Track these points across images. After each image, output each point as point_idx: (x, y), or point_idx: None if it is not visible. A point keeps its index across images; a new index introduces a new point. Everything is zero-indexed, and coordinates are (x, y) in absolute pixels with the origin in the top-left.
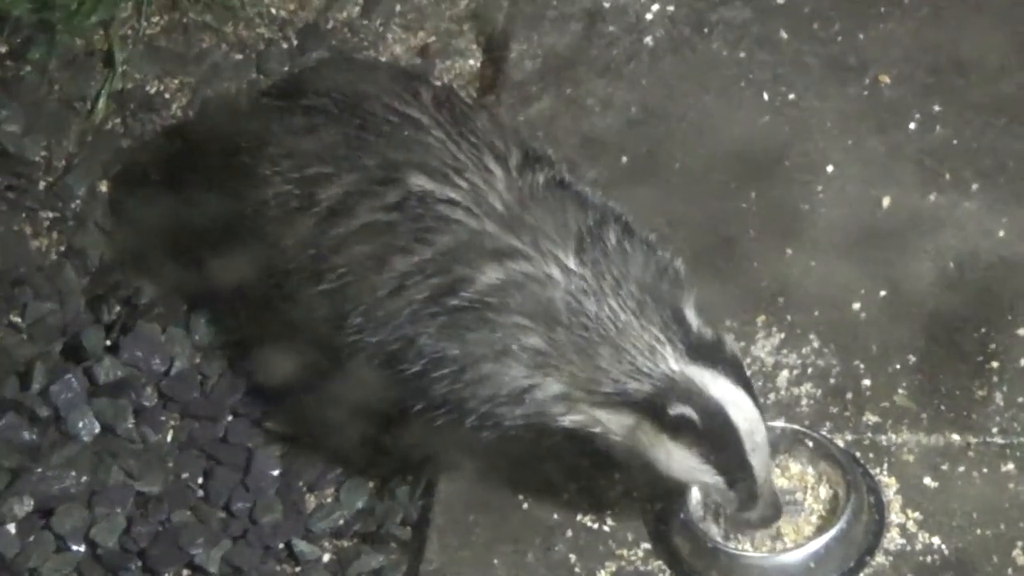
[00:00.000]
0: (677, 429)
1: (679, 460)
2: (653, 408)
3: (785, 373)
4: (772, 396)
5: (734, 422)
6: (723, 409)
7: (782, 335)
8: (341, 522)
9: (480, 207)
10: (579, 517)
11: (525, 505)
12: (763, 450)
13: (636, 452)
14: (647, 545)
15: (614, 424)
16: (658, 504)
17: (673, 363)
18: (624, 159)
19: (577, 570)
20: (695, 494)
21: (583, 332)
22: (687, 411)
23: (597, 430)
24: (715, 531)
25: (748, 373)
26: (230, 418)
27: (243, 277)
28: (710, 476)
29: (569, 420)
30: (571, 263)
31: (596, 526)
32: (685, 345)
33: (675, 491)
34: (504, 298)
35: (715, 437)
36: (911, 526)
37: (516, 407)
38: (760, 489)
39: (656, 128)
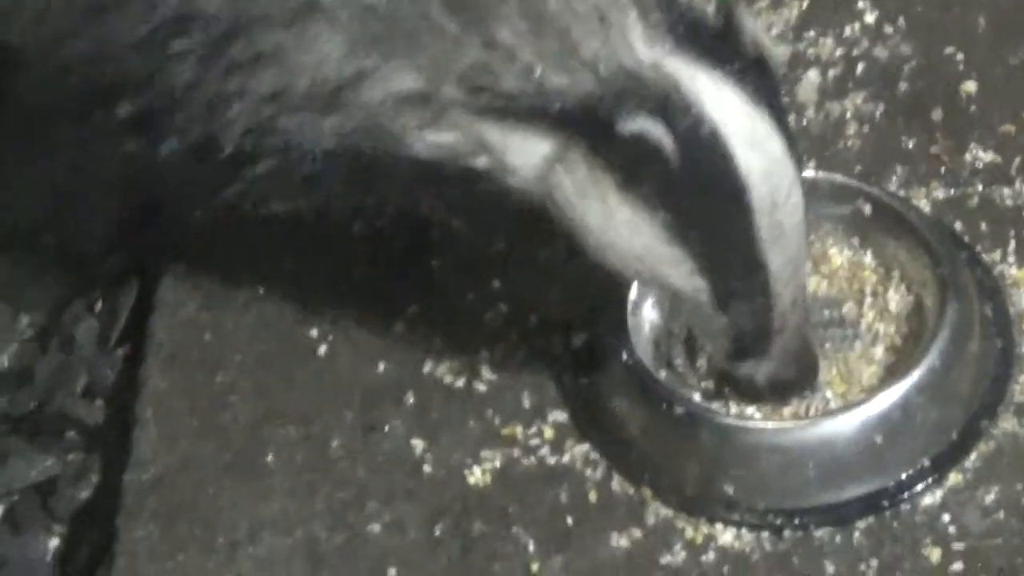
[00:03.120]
0: (631, 165)
1: (629, 230)
2: (591, 121)
3: (812, 74)
4: (801, 120)
5: (741, 169)
6: (723, 139)
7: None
8: None
9: None
10: (430, 367)
11: (322, 348)
12: (793, 234)
13: (551, 214)
14: (560, 415)
15: (515, 152)
16: (578, 335)
17: (641, 45)
18: None
19: (428, 468)
20: (648, 310)
21: None
22: (653, 128)
23: (479, 164)
24: (688, 379)
25: (777, 84)
26: None
27: None
28: (683, 274)
29: (428, 143)
30: None
31: (461, 384)
32: (665, 17)
33: (612, 304)
34: None
35: (702, 192)
36: None
37: (327, 115)
38: (780, 317)
39: None
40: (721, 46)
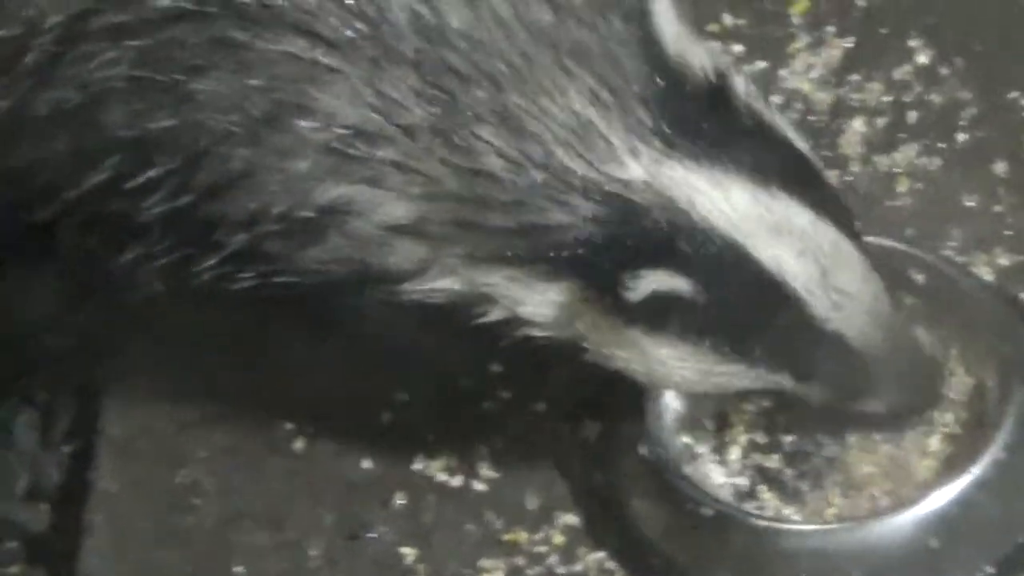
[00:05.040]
0: (653, 314)
1: (677, 366)
2: (595, 267)
3: (857, 123)
4: (844, 176)
5: (770, 264)
6: (739, 244)
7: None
8: None
9: None
10: (421, 464)
11: (298, 443)
12: (858, 286)
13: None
14: (570, 517)
15: (525, 303)
16: (590, 425)
17: (629, 158)
18: None
19: None
20: (669, 395)
21: (449, 80)
22: (662, 281)
23: (492, 315)
24: (716, 475)
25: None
26: None
27: None
28: (754, 378)
29: (426, 289)
30: None
31: (457, 482)
32: (650, 112)
33: (629, 388)
34: None
35: (739, 303)
36: None
37: (309, 245)
38: (878, 361)
39: None
40: (716, 128)
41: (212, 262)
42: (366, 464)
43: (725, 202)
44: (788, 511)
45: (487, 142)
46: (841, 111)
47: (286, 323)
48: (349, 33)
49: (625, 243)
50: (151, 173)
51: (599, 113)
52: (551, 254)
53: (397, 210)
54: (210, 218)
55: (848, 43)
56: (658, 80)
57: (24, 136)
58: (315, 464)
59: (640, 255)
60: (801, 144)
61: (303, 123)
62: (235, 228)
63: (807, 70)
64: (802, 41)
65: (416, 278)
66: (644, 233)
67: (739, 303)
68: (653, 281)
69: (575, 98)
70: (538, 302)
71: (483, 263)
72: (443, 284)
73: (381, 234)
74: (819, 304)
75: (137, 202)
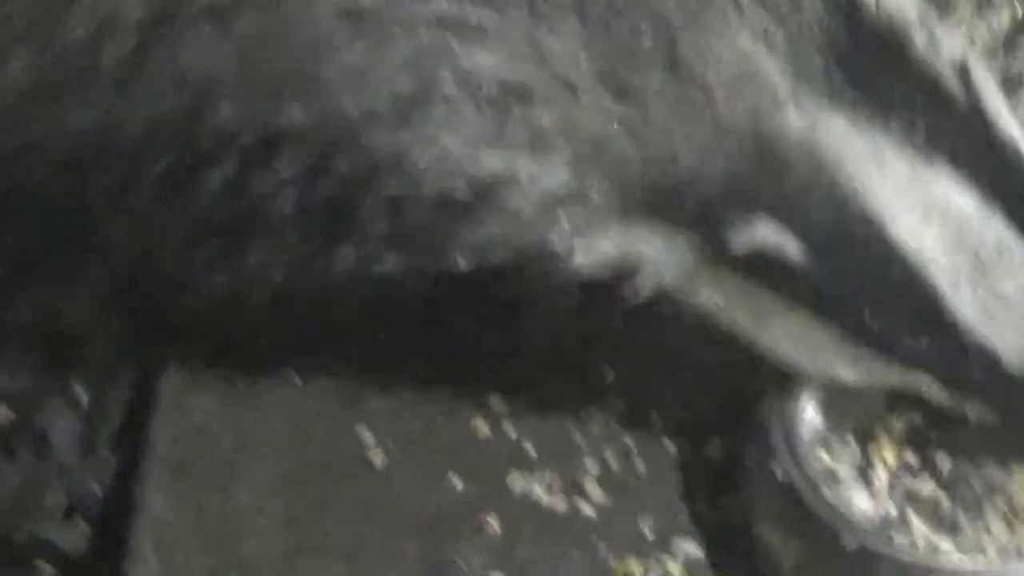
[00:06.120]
0: (774, 282)
1: (789, 337)
2: (707, 227)
3: None
4: None
5: (907, 250)
6: (877, 221)
7: None
8: None
9: None
10: (520, 484)
11: (376, 460)
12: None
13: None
14: (690, 547)
15: (665, 262)
16: (715, 442)
17: (792, 108)
18: None
19: None
20: (808, 411)
21: (616, 24)
22: (770, 235)
23: (641, 282)
24: (860, 500)
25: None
26: None
27: None
28: (878, 368)
29: (590, 253)
30: None
31: (562, 505)
32: (821, 58)
33: (761, 401)
34: None
35: (869, 286)
36: None
37: (467, 224)
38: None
39: None
40: (893, 85)
41: (351, 251)
42: (455, 483)
43: (878, 172)
44: (943, 544)
45: (654, 90)
46: (1008, 85)
47: (364, 319)
48: None
49: (757, 193)
50: (281, 173)
51: (768, 54)
52: (692, 207)
53: (558, 176)
54: (351, 205)
55: (1018, 8)
56: (839, 19)
57: (116, 155)
58: (396, 484)
59: (761, 205)
60: (1005, 127)
61: (455, 91)
62: (379, 213)
63: (970, 40)
64: (967, 6)
65: (575, 251)
66: (781, 186)
67: (867, 285)
68: (762, 232)
69: (745, 38)
70: (672, 260)
71: (635, 223)
72: (600, 250)
73: (540, 205)
74: (966, 307)
75: (264, 202)
